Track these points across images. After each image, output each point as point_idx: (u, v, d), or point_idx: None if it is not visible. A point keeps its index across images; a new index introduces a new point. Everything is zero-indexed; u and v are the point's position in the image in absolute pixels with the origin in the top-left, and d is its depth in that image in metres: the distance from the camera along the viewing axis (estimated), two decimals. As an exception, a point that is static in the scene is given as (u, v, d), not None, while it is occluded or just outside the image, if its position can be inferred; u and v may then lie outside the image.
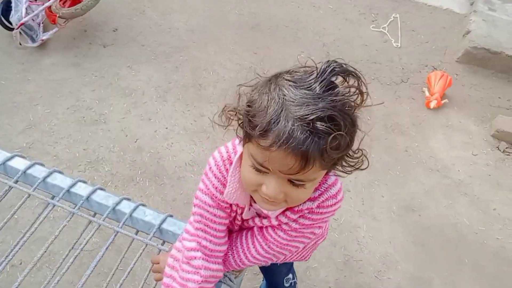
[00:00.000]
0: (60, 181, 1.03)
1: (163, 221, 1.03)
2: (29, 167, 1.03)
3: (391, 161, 2.14)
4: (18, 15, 2.37)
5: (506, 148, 2.22)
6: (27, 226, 0.96)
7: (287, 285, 1.30)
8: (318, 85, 0.61)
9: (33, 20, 2.41)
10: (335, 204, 0.77)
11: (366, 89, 0.65)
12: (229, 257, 0.86)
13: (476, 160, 2.18)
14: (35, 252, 0.95)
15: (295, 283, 1.36)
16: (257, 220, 0.82)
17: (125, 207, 1.04)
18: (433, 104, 2.38)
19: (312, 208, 0.77)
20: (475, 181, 2.08)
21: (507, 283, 1.73)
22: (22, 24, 2.33)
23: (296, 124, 0.58)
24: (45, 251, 0.93)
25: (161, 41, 2.62)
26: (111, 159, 1.98)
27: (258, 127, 0.61)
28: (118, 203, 1.04)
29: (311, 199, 0.76)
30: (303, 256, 1.13)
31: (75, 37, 2.57)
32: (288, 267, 1.28)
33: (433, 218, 1.93)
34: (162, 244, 1.03)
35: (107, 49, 2.52)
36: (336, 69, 0.62)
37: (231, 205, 0.80)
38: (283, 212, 0.78)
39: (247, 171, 0.67)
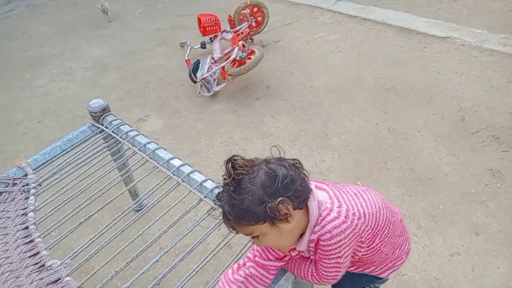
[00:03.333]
0: (209, 184, 1.48)
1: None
2: (191, 172, 1.52)
3: (518, 234, 1.97)
4: (201, 72, 3.22)
5: None
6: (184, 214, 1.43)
7: None
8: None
9: (211, 76, 3.23)
10: (331, 238, 0.95)
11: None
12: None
13: None
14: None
15: None
16: (293, 253, 1.12)
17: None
18: None
19: (314, 240, 0.98)
20: None
21: None
22: (203, 78, 3.15)
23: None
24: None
25: (301, 97, 3.09)
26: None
27: None
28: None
29: (313, 232, 0.98)
30: (381, 273, 1.26)
31: (238, 91, 3.28)
32: (352, 285, 1.38)
33: None
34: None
35: (259, 101, 3.13)
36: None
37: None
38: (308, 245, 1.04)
39: None
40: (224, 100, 3.21)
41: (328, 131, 2.73)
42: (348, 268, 1.21)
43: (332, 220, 0.95)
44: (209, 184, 1.47)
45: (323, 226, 0.96)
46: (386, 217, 1.09)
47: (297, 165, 0.96)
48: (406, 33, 3.58)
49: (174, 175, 1.56)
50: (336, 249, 0.98)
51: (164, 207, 1.49)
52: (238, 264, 1.12)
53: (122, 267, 1.24)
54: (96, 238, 1.36)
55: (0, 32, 5.07)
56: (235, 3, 4.52)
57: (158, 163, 1.64)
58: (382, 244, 1.12)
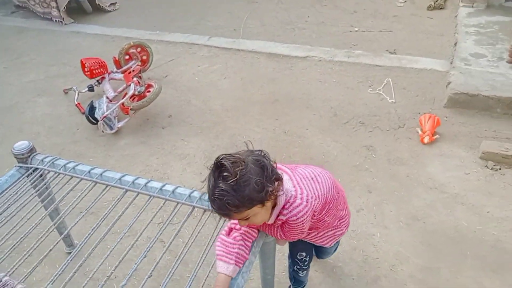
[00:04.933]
0: (168, 187, 1.64)
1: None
2: (148, 182, 1.66)
3: (396, 185, 2.61)
4: (101, 111, 3.26)
5: (494, 165, 2.65)
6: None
7: (299, 257, 1.73)
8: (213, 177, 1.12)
9: (110, 114, 3.28)
10: (297, 219, 1.24)
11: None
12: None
13: (469, 177, 2.60)
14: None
15: (305, 260, 1.74)
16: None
17: (183, 192, 1.62)
18: (426, 140, 2.90)
19: (283, 220, 1.28)
20: (469, 193, 2.48)
21: (508, 267, 2.04)
22: (104, 117, 3.19)
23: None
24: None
25: (204, 119, 3.40)
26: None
27: None
28: (191, 193, 1.61)
29: (283, 214, 1.25)
30: (323, 242, 1.62)
31: (141, 124, 3.40)
32: (304, 246, 1.69)
33: (436, 223, 2.33)
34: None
35: (165, 130, 3.31)
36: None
37: None
38: (276, 219, 1.30)
39: None
40: (130, 135, 3.29)
41: (237, 143, 3.08)
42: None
43: (297, 206, 1.24)
44: (169, 187, 1.65)
45: (290, 211, 1.24)
46: (333, 195, 1.43)
47: (267, 155, 1.20)
48: (274, 57, 4.27)
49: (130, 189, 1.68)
50: (300, 224, 1.29)
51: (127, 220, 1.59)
52: (227, 231, 1.33)
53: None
54: (70, 261, 1.39)
55: None
56: (105, 50, 4.66)
57: (109, 183, 1.73)
58: (326, 215, 1.45)
